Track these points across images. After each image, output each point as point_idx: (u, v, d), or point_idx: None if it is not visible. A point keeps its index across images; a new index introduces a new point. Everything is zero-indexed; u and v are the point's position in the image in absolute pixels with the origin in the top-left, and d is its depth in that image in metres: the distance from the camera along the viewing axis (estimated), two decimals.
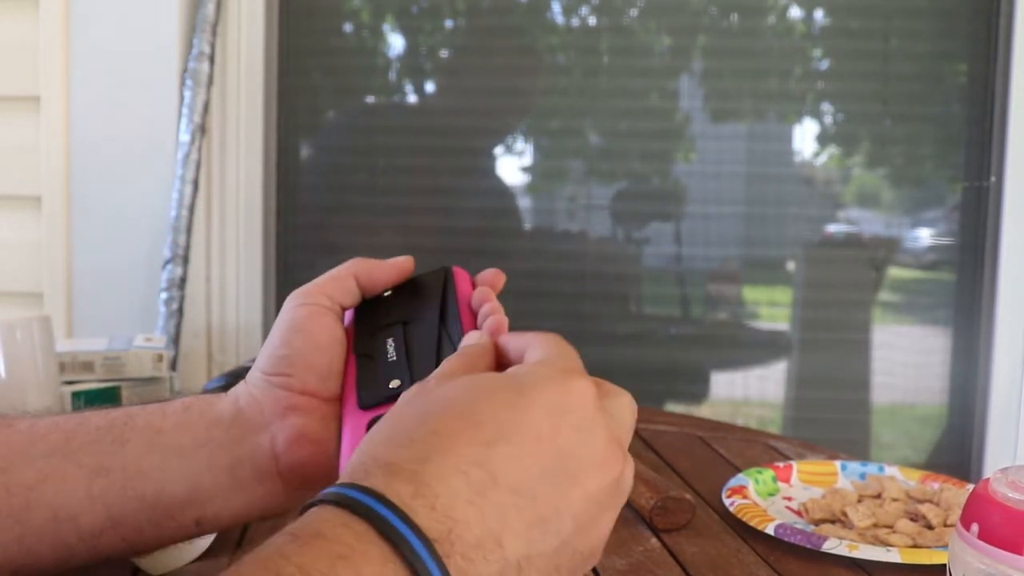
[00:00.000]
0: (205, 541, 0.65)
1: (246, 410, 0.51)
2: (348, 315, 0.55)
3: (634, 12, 1.64)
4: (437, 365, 0.45)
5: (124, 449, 0.49)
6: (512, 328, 0.51)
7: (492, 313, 0.50)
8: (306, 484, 0.50)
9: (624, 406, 0.44)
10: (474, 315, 0.52)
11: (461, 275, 0.56)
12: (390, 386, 0.49)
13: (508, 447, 0.37)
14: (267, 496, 0.51)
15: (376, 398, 0.48)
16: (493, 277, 0.55)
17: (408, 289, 0.56)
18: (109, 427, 0.50)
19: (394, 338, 0.52)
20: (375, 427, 0.41)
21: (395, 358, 0.50)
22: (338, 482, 0.37)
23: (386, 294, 0.56)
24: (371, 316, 0.55)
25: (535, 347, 0.45)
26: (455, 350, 0.47)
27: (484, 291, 0.53)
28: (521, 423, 0.38)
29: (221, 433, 0.51)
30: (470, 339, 0.47)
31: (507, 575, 0.36)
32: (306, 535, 0.34)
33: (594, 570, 0.66)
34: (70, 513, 0.48)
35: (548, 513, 0.38)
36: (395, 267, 0.56)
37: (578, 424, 0.39)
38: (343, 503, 0.35)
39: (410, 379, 0.48)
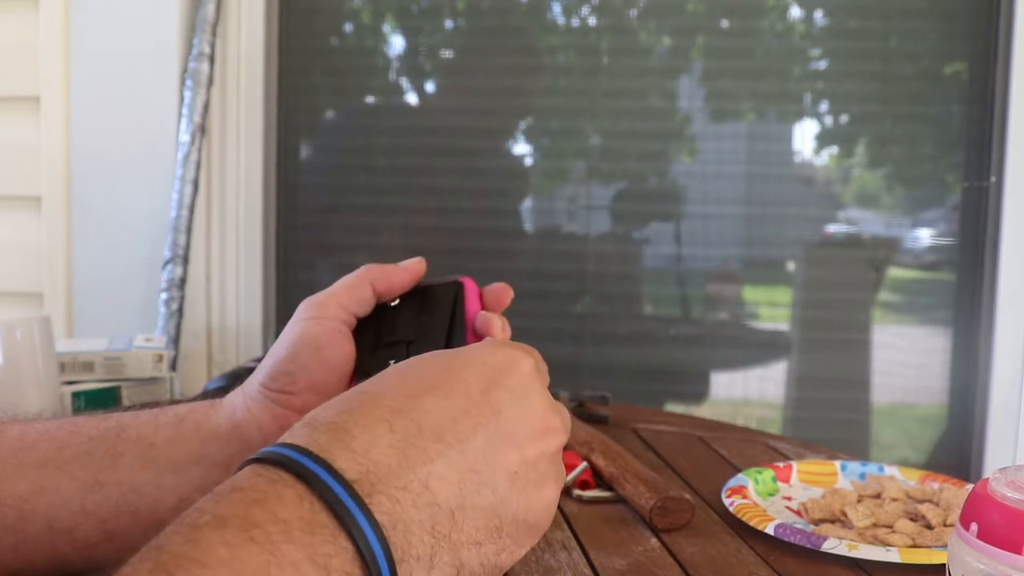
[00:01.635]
0: None
1: (243, 426, 0.50)
2: None
3: (634, 12, 1.65)
4: None
5: (117, 463, 0.49)
6: (513, 330, 0.51)
7: None
8: None
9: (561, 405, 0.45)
10: (479, 339, 0.51)
11: (471, 290, 0.54)
12: None
13: (434, 398, 0.38)
14: None
15: None
16: (501, 294, 0.54)
17: (416, 300, 0.54)
18: (102, 438, 0.49)
19: (396, 360, 0.50)
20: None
21: None
22: None
23: (393, 303, 0.54)
24: (376, 327, 0.53)
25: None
26: None
27: (487, 318, 0.52)
28: (450, 379, 0.39)
29: (216, 450, 0.50)
30: None
31: (440, 521, 0.36)
32: (224, 490, 0.34)
33: (594, 570, 0.66)
34: (64, 526, 0.47)
35: (479, 465, 0.37)
36: (410, 272, 0.54)
37: (511, 387, 0.40)
38: (260, 459, 0.35)
39: None
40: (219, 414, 0.51)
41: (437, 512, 0.36)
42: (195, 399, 0.69)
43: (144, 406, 0.54)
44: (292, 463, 0.34)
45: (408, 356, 0.50)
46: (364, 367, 0.51)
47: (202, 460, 0.49)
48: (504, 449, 0.38)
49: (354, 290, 0.52)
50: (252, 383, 0.51)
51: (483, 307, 0.53)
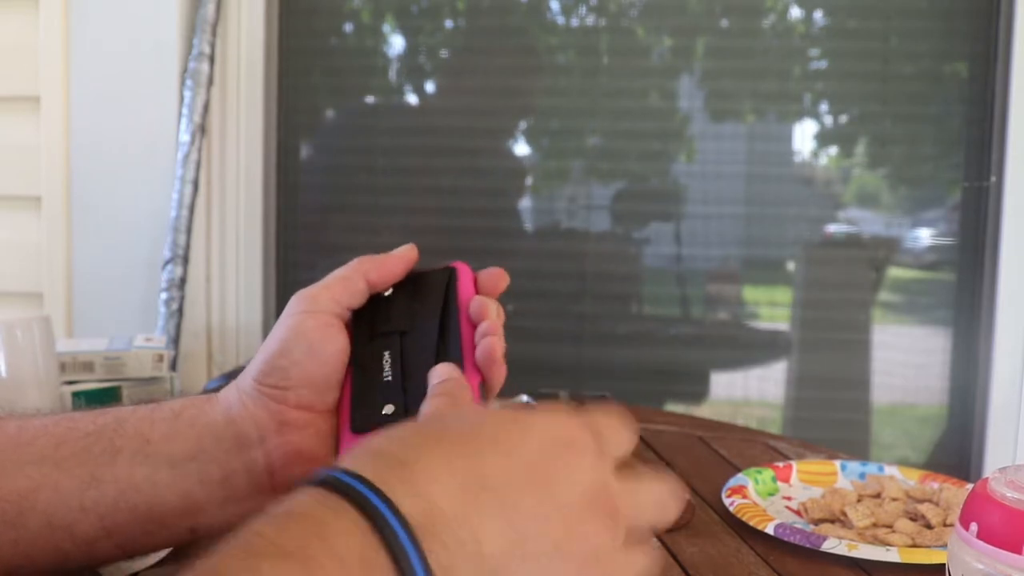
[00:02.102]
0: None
1: (238, 421, 0.50)
2: None
3: (634, 12, 1.65)
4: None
5: (115, 459, 0.48)
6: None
7: (488, 334, 0.49)
8: None
9: (645, 491, 0.43)
10: (473, 324, 0.51)
11: (465, 275, 0.54)
12: (383, 412, 0.48)
13: (495, 455, 0.38)
14: (259, 509, 0.50)
15: (369, 422, 0.48)
16: (496, 279, 0.53)
17: (409, 288, 0.54)
18: (99, 434, 0.49)
19: (390, 351, 0.50)
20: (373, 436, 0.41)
21: (390, 378, 0.49)
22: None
23: (386, 293, 0.54)
24: (370, 318, 0.53)
25: None
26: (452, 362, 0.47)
27: (482, 302, 0.51)
28: (514, 439, 0.39)
29: (212, 444, 0.50)
30: (441, 373, 0.47)
31: None
32: (281, 514, 0.34)
33: None
34: (64, 522, 0.47)
35: (527, 527, 0.37)
36: (403, 260, 0.54)
37: (569, 460, 0.40)
38: (323, 483, 0.35)
39: (404, 404, 0.48)
40: (215, 409, 0.51)
41: (482, 566, 0.36)
42: None
43: (142, 403, 0.54)
44: (355, 494, 0.34)
45: (402, 346, 0.50)
46: (359, 359, 0.50)
47: (198, 455, 0.49)
48: (552, 517, 0.38)
49: (347, 282, 0.52)
50: (246, 378, 0.51)
51: (478, 291, 0.53)
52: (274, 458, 0.49)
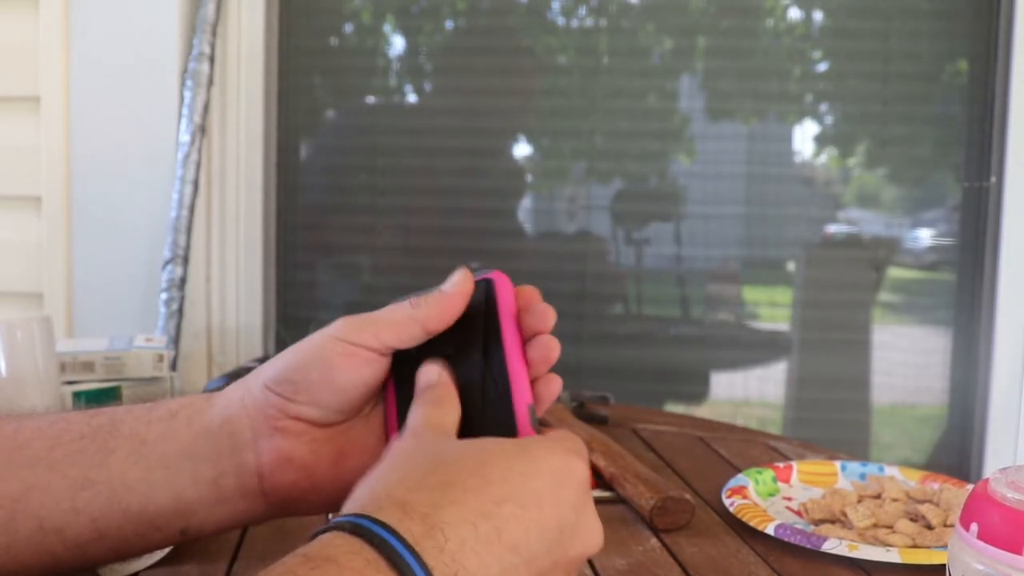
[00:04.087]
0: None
1: (234, 420, 0.49)
2: None
3: (634, 13, 1.65)
4: (480, 410, 0.47)
5: (108, 460, 0.48)
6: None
7: (548, 345, 0.50)
8: (289, 507, 0.50)
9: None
10: (519, 334, 0.49)
11: (503, 286, 0.51)
12: None
13: (514, 508, 0.41)
14: (249, 511, 0.50)
15: None
16: (545, 316, 0.50)
17: None
18: (93, 435, 0.49)
19: None
20: (383, 465, 0.42)
21: None
22: (350, 511, 0.39)
23: None
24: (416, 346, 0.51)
25: (553, 431, 0.49)
26: (499, 392, 0.48)
27: (543, 311, 0.50)
28: (527, 488, 0.42)
29: (206, 444, 0.49)
30: (427, 377, 0.48)
31: None
32: (319, 559, 0.36)
33: (594, 570, 0.66)
34: (55, 525, 0.47)
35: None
36: (462, 296, 0.50)
37: (574, 501, 0.43)
38: (357, 532, 0.37)
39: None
40: (213, 408, 0.50)
41: None
42: None
43: (140, 403, 0.53)
44: (390, 550, 0.36)
45: (448, 370, 0.49)
46: (401, 390, 0.50)
47: (192, 455, 0.49)
48: (557, 558, 0.42)
49: (398, 328, 0.49)
50: (256, 380, 0.50)
51: (518, 302, 0.51)
52: (264, 461, 0.49)
